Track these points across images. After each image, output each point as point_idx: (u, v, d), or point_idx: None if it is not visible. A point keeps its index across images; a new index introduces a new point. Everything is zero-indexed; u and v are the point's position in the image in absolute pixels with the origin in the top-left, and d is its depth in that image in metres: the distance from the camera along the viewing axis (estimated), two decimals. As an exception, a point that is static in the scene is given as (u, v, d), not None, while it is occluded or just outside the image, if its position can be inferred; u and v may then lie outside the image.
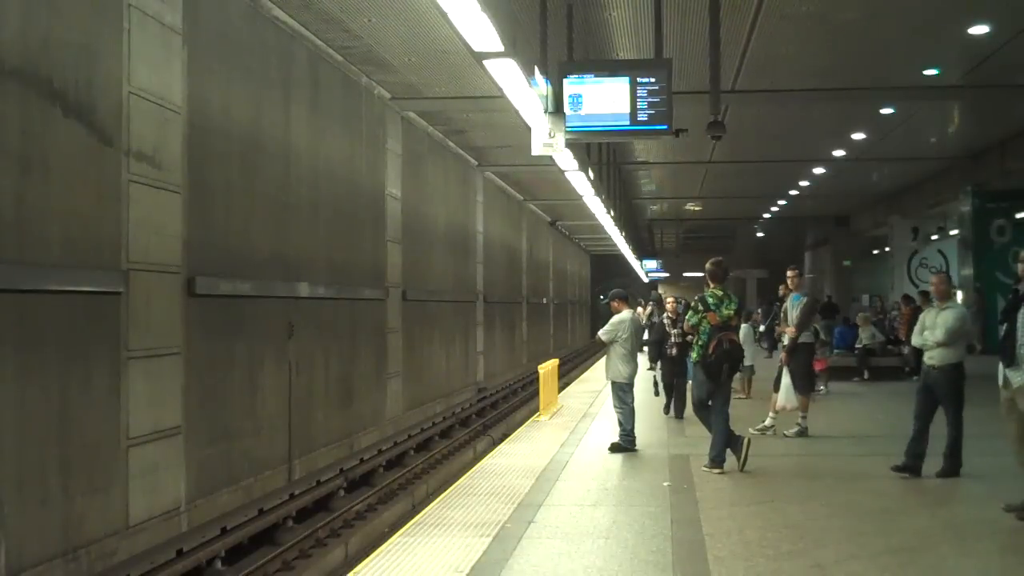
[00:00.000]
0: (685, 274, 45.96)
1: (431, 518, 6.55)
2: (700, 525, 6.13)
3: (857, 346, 16.56)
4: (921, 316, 7.89)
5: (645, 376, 12.47)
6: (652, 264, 43.60)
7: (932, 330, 7.48)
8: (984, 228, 21.98)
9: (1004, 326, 6.20)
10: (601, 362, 17.63)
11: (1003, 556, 5.63)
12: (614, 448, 9.01)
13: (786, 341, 9.83)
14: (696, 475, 7.80)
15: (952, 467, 7.42)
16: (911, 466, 7.49)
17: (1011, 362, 6.10)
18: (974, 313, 22.07)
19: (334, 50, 11.87)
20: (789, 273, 10.24)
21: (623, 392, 9.07)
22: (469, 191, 20.94)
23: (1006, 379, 6.18)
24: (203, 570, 7.69)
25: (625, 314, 9.22)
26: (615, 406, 9.18)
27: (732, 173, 23.14)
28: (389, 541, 6.02)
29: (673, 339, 11.32)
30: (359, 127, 13.19)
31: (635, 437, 9.11)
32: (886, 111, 16.13)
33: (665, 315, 11.97)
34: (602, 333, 9.20)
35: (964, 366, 7.48)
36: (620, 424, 9.11)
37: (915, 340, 7.77)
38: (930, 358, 7.50)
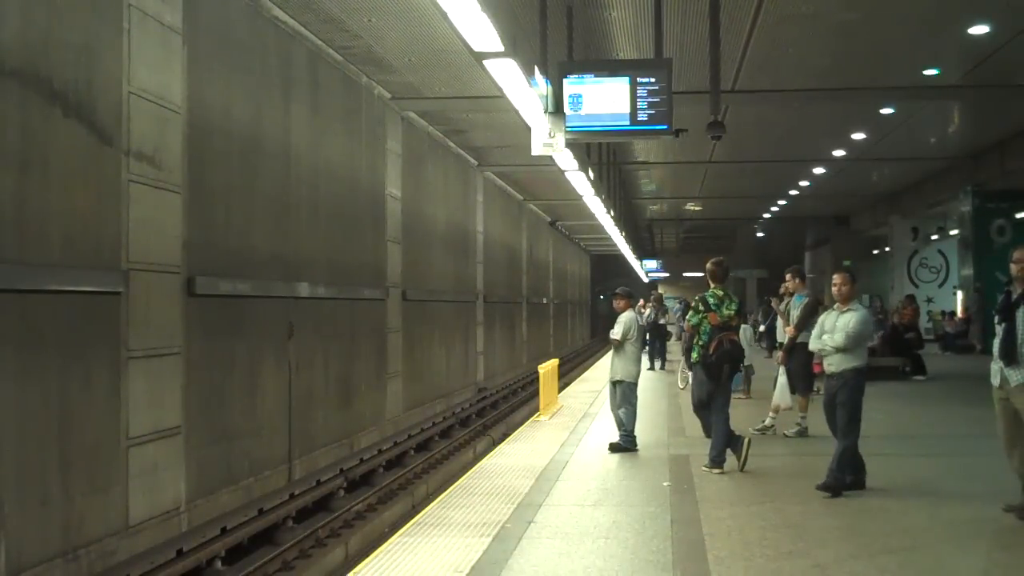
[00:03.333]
0: (685, 274, 46.06)
1: (431, 518, 6.55)
2: (700, 525, 6.13)
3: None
4: (820, 319, 7.44)
5: (645, 375, 12.43)
6: (652, 264, 43.66)
7: (832, 334, 6.99)
8: (984, 228, 22.03)
9: (1002, 325, 6.11)
10: (600, 362, 17.60)
11: (1003, 556, 5.62)
12: (614, 448, 9.01)
13: (785, 341, 9.83)
14: (696, 475, 7.79)
15: (836, 482, 6.84)
16: (855, 481, 6.94)
17: (1011, 361, 6.01)
18: (975, 313, 22.22)
19: (334, 50, 11.87)
20: (788, 277, 10.16)
21: (630, 392, 9.02)
22: (469, 191, 20.95)
23: (1003, 378, 6.10)
24: (203, 570, 7.69)
25: (631, 313, 9.23)
26: (619, 406, 9.08)
27: (732, 173, 23.16)
28: (389, 541, 6.02)
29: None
30: (359, 127, 13.19)
31: (635, 437, 9.10)
32: (886, 111, 16.14)
33: None
34: (615, 333, 9.05)
35: (865, 373, 6.99)
36: (622, 424, 9.08)
37: (813, 344, 7.28)
38: (829, 364, 7.01)
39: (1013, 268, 6.13)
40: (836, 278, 7.31)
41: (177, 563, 7.37)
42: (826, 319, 7.26)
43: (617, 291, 9.48)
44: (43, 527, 6.45)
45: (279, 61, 10.58)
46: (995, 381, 6.18)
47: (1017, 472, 6.21)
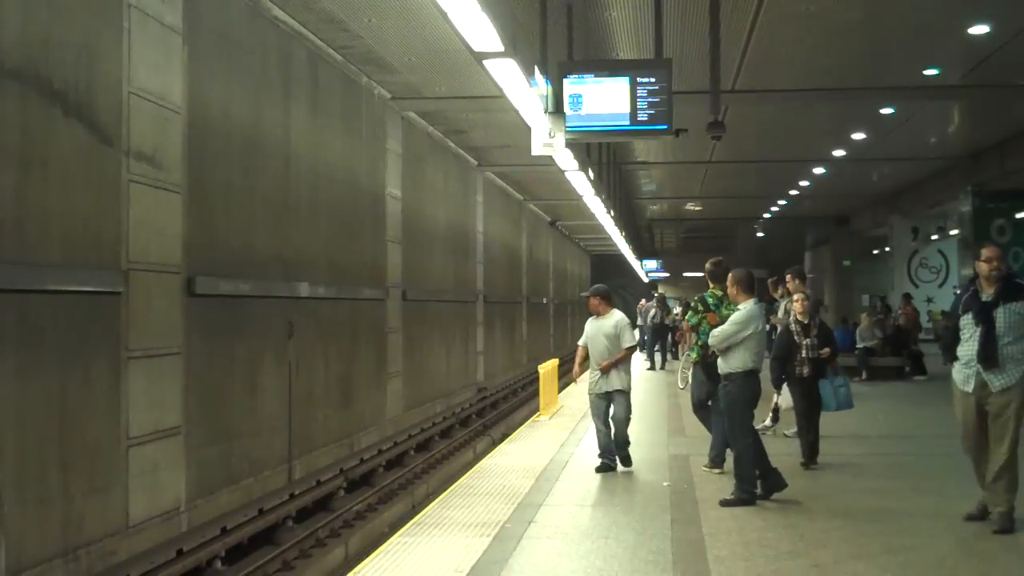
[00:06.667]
0: (685, 274, 45.98)
1: (431, 518, 6.56)
2: (700, 525, 6.14)
3: (859, 346, 16.57)
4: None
5: (646, 375, 12.38)
6: (652, 264, 43.62)
7: None
8: (984, 228, 21.98)
9: (979, 328, 5.85)
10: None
11: (1004, 556, 5.63)
12: (628, 462, 8.38)
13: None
14: (696, 475, 7.80)
15: (743, 494, 6.70)
16: (769, 488, 6.83)
17: (992, 364, 5.79)
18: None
19: (334, 50, 11.87)
20: (788, 278, 10.09)
21: (628, 400, 8.41)
22: (469, 191, 20.94)
23: (978, 383, 5.89)
24: (203, 570, 7.69)
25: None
26: (625, 417, 8.31)
27: (732, 173, 23.13)
28: (389, 541, 6.03)
29: (805, 353, 8.21)
30: (359, 127, 13.19)
31: None
32: (886, 111, 16.11)
33: (792, 317, 8.55)
34: (631, 341, 8.39)
35: (749, 379, 6.74)
36: (627, 430, 8.38)
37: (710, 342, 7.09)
38: (720, 366, 6.96)
39: (984, 268, 5.89)
40: (728, 278, 7.16)
41: (177, 563, 7.37)
42: None
43: (601, 290, 8.74)
44: (43, 527, 6.45)
45: (279, 61, 10.58)
46: (967, 388, 5.98)
47: (983, 480, 6.07)
